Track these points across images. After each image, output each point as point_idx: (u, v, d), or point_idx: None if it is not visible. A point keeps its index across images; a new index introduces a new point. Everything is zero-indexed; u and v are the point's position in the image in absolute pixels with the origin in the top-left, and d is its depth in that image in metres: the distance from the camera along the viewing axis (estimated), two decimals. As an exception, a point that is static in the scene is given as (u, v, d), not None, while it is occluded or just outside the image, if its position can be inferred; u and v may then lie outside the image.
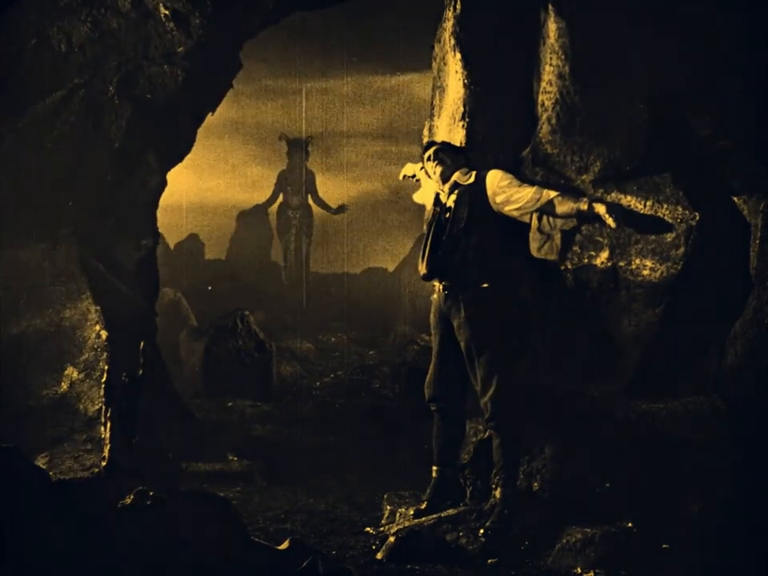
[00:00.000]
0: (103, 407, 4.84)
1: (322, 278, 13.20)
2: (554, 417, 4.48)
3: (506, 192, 4.38)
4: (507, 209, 4.40)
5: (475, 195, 4.43)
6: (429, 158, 4.62)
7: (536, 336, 4.75)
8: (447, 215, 4.49)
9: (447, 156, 4.58)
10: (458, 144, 4.83)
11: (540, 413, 4.47)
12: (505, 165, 4.62)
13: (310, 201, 12.63)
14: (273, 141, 13.15)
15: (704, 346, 4.63)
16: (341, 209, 12.53)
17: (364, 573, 3.96)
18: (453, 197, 4.50)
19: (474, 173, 4.50)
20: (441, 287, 4.51)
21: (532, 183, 4.45)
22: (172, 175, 7.15)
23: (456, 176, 4.52)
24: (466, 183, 4.49)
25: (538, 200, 4.35)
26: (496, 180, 4.41)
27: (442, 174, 4.55)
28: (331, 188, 13.33)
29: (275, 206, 12.88)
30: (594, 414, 4.46)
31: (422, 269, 4.52)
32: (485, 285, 4.39)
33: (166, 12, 5.95)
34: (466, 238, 4.41)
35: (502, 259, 4.55)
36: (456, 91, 4.97)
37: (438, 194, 4.64)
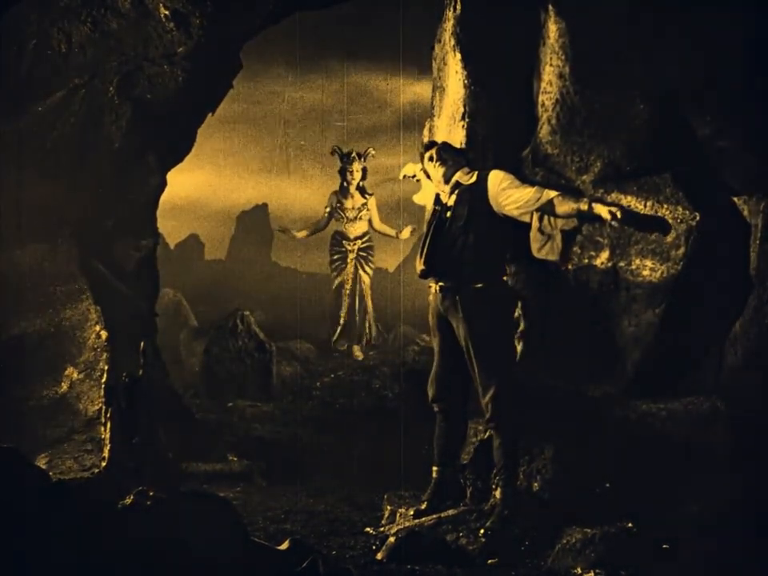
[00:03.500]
0: (103, 407, 4.85)
1: (322, 277, 13.20)
2: (554, 417, 4.48)
3: (507, 192, 4.39)
4: (508, 209, 4.41)
5: (476, 195, 4.44)
6: (431, 159, 4.62)
7: (536, 336, 4.74)
8: (448, 214, 4.50)
9: (449, 156, 4.58)
10: (458, 144, 4.83)
11: (540, 413, 4.47)
12: (505, 165, 4.62)
13: (368, 228, 9.99)
14: (275, 140, 12.50)
15: (704, 346, 4.63)
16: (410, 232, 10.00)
17: (364, 573, 3.96)
18: (454, 196, 4.51)
19: (475, 173, 4.51)
20: (437, 287, 4.52)
21: (532, 183, 4.46)
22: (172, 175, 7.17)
23: (458, 176, 4.53)
24: (467, 183, 4.49)
25: (538, 200, 4.36)
26: (497, 181, 4.42)
27: (444, 175, 4.55)
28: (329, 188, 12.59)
29: (324, 233, 10.26)
30: (594, 414, 4.46)
31: (420, 265, 4.52)
32: (481, 285, 4.39)
33: (166, 12, 5.95)
34: (464, 236, 4.41)
35: (500, 259, 4.55)
36: (456, 91, 4.97)
37: (438, 194, 4.64)
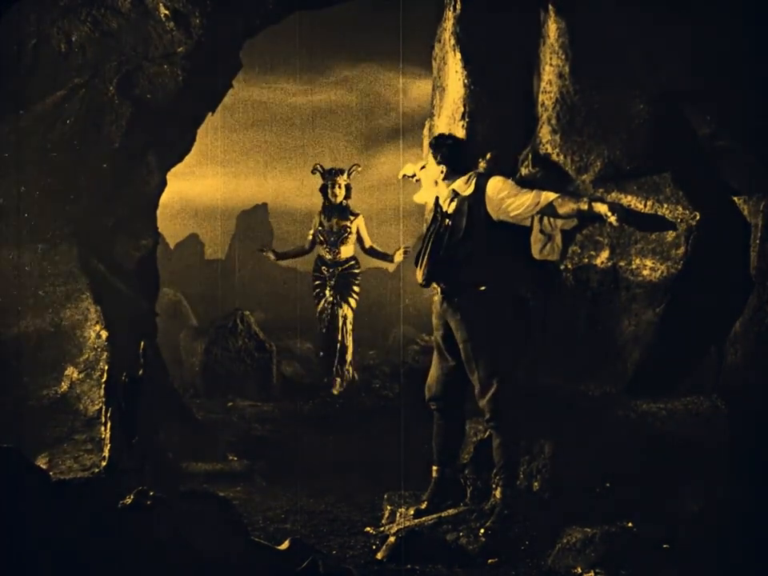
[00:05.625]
0: (103, 407, 4.85)
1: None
2: (554, 417, 4.48)
3: (507, 201, 4.35)
4: (508, 216, 4.38)
5: (474, 204, 4.41)
6: (435, 155, 4.55)
7: (536, 336, 4.75)
8: (447, 222, 4.47)
9: (451, 161, 4.51)
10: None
11: (540, 413, 4.47)
12: (505, 165, 4.62)
13: (355, 252, 8.68)
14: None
15: (704, 345, 4.63)
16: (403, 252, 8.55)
17: (364, 573, 3.96)
18: (453, 204, 4.48)
19: (473, 182, 4.45)
20: (439, 289, 4.52)
21: (531, 187, 4.43)
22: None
23: (456, 185, 4.49)
24: (465, 194, 4.45)
25: (538, 203, 4.33)
26: (496, 190, 4.38)
27: (442, 173, 4.51)
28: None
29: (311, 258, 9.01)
30: (594, 413, 4.46)
31: (420, 277, 4.52)
32: (480, 288, 4.38)
33: (166, 12, 5.96)
34: (464, 247, 4.40)
35: (499, 261, 4.53)
36: (456, 91, 4.97)
37: (437, 198, 4.61)
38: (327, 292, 8.51)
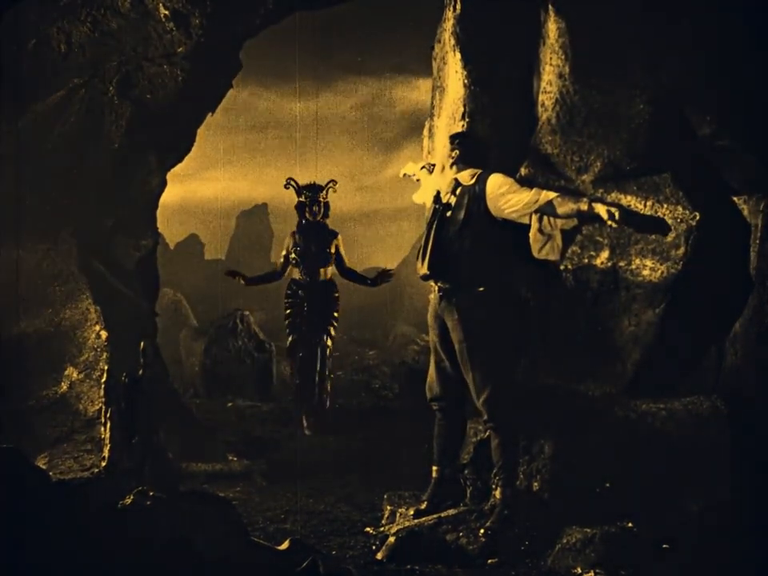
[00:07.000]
0: (103, 407, 4.87)
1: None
2: (554, 417, 4.48)
3: (506, 197, 4.36)
4: (506, 213, 4.38)
5: (474, 198, 4.42)
6: (453, 145, 4.58)
7: (536, 336, 4.75)
8: (448, 214, 4.49)
9: (467, 152, 4.55)
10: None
11: (540, 413, 4.47)
12: (505, 164, 4.62)
13: (332, 275, 7.67)
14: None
15: (704, 345, 4.63)
16: (382, 277, 7.59)
17: (364, 573, 3.96)
18: (454, 197, 4.49)
19: (477, 175, 4.48)
20: (437, 288, 4.52)
21: (531, 185, 4.44)
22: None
23: (460, 175, 4.51)
24: (467, 184, 4.47)
25: (537, 201, 4.34)
26: (495, 185, 4.39)
27: (453, 161, 4.52)
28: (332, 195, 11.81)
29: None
30: (594, 413, 4.46)
31: (423, 269, 4.51)
32: (480, 288, 4.38)
33: (166, 12, 5.96)
34: (460, 239, 4.40)
35: (497, 262, 4.52)
36: (456, 91, 4.97)
37: (438, 192, 4.62)
38: (303, 319, 7.52)
